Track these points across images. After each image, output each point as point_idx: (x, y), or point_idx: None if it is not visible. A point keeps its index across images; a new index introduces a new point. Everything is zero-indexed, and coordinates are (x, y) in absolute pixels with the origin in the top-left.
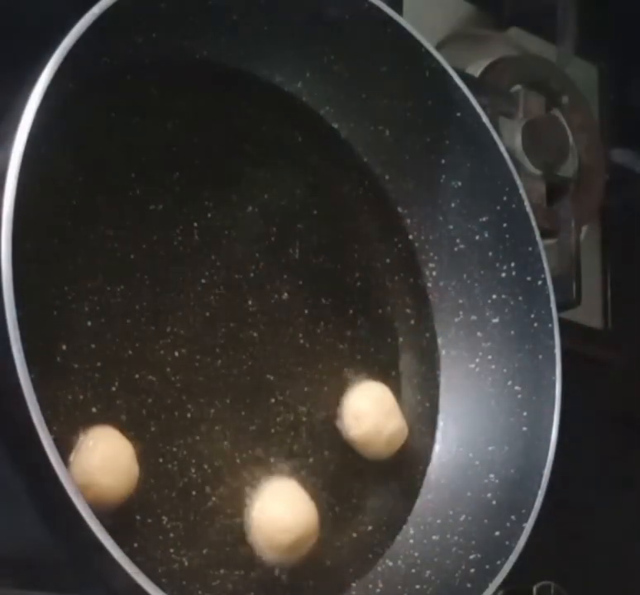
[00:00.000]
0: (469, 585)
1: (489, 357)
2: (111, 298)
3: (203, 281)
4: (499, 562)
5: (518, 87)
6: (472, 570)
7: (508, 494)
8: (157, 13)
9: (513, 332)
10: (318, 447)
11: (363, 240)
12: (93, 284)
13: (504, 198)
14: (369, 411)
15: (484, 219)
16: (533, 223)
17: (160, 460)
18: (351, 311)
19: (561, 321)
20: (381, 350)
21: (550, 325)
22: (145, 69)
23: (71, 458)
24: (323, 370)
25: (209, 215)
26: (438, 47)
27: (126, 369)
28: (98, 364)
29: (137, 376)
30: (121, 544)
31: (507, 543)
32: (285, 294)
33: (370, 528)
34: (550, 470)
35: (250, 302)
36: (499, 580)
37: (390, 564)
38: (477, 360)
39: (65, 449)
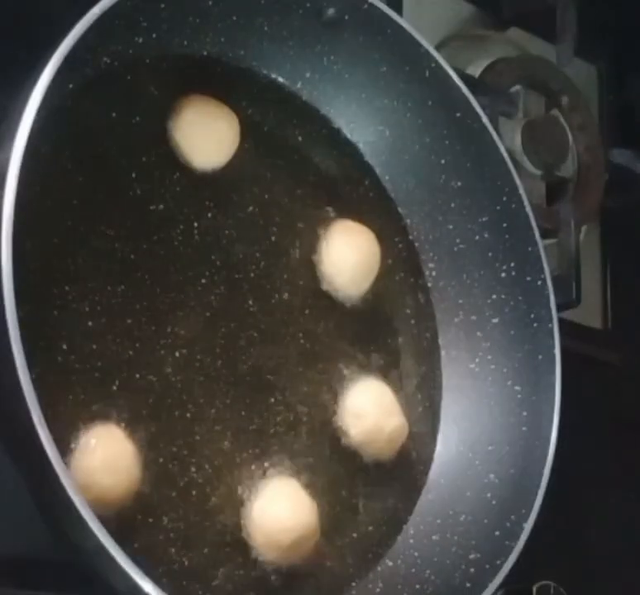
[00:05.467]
0: (469, 585)
1: (489, 357)
2: (111, 298)
3: (203, 281)
4: (498, 562)
5: (518, 87)
6: (472, 570)
7: (508, 494)
8: (157, 13)
9: (513, 332)
10: (318, 446)
11: None
12: (93, 284)
13: (504, 198)
14: (369, 409)
15: (484, 219)
16: (533, 223)
17: (161, 460)
18: (350, 312)
19: (561, 321)
20: (381, 350)
21: (550, 325)
22: (145, 68)
23: (71, 458)
24: (323, 370)
25: (209, 215)
26: (438, 47)
27: (126, 369)
28: (99, 363)
29: (138, 376)
30: (121, 544)
31: (507, 543)
32: (285, 294)
33: (370, 528)
34: (550, 470)
35: (250, 302)
36: (498, 580)
37: (390, 563)
38: (477, 360)
39: (65, 449)
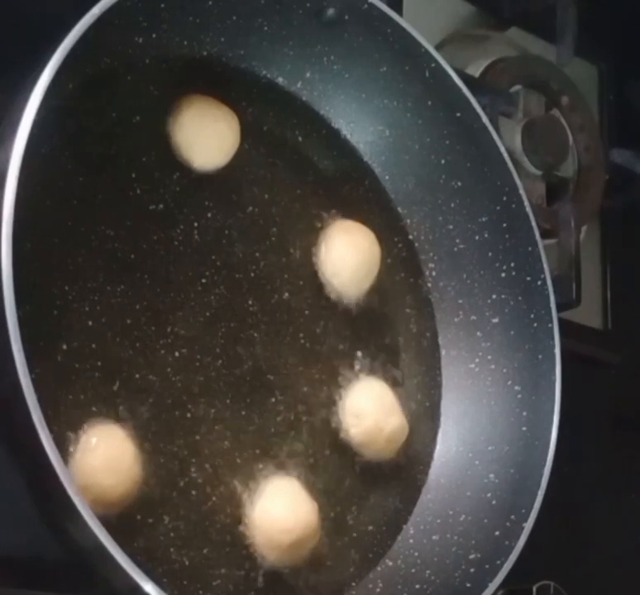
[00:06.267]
0: (469, 585)
1: (489, 357)
2: (111, 298)
3: (203, 281)
4: (498, 562)
5: (518, 87)
6: (472, 570)
7: (508, 494)
8: (157, 13)
9: (513, 332)
10: (318, 446)
11: None
12: (93, 284)
13: (504, 198)
14: (369, 409)
15: (484, 219)
16: (533, 223)
17: (161, 460)
18: (350, 312)
19: (561, 321)
20: (381, 350)
21: (550, 325)
22: (145, 68)
23: (71, 458)
24: (323, 370)
25: (209, 215)
26: (438, 47)
27: (126, 369)
28: (99, 363)
29: (138, 376)
30: (121, 544)
31: (507, 543)
32: (285, 294)
33: (370, 528)
34: (550, 470)
35: (250, 302)
36: (498, 580)
37: (390, 563)
38: (477, 360)
39: (66, 449)
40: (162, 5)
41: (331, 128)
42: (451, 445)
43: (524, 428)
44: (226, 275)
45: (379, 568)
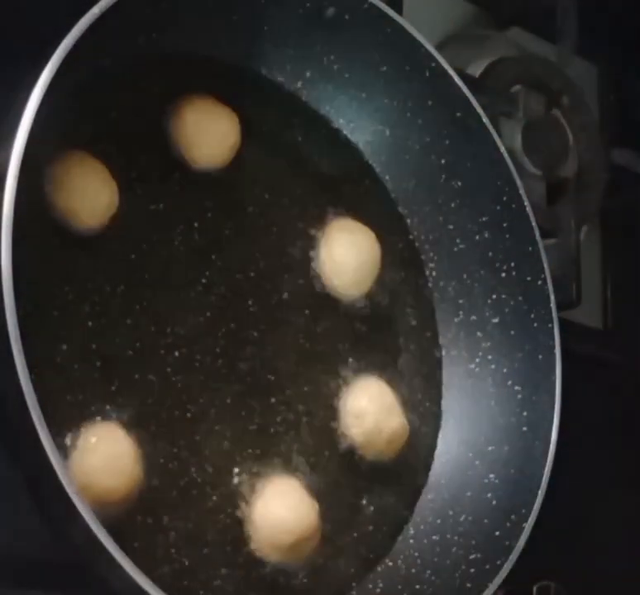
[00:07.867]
0: (469, 585)
1: (489, 357)
2: (111, 298)
3: (203, 281)
4: (499, 562)
5: (518, 87)
6: (472, 570)
7: (508, 494)
8: (157, 13)
9: (513, 332)
10: (319, 446)
11: None
12: (93, 284)
13: (504, 198)
14: (369, 409)
15: (484, 219)
16: (533, 223)
17: (161, 460)
18: (350, 312)
19: (561, 321)
20: (381, 350)
21: (550, 325)
22: (145, 68)
23: (71, 458)
24: (323, 370)
25: (209, 215)
26: (438, 47)
27: (126, 369)
28: (98, 363)
29: (137, 376)
30: (121, 544)
31: (507, 543)
32: (285, 294)
33: (370, 528)
34: (550, 470)
35: (250, 302)
36: (499, 580)
37: (390, 564)
38: (477, 360)
39: (66, 449)
40: (162, 5)
41: (331, 128)
42: (451, 445)
43: (524, 428)
44: (227, 275)
45: (379, 569)
